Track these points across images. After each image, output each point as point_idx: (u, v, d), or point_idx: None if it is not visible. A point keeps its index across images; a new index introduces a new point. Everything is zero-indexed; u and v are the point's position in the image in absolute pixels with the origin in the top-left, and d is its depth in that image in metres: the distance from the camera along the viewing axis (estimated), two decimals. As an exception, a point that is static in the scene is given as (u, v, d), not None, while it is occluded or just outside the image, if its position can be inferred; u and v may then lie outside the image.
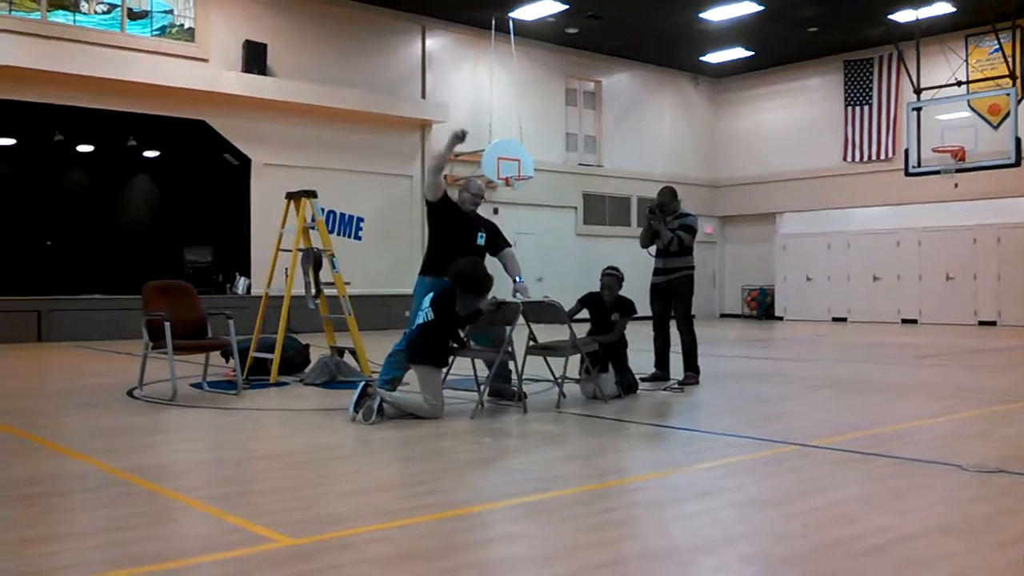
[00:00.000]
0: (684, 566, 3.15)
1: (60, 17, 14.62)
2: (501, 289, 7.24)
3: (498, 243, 7.32)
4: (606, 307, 7.50)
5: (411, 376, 6.96)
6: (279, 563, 3.16)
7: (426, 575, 3.04)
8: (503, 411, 6.75)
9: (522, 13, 17.99)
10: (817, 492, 4.22)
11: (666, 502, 4.11)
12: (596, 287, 7.66)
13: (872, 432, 5.81)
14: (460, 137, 7.03)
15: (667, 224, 8.37)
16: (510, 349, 6.65)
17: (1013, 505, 3.98)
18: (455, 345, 6.61)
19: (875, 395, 7.87)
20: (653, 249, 8.50)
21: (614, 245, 19.67)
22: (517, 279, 7.18)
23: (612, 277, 7.56)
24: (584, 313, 7.56)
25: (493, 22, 18.19)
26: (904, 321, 20.29)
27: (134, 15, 15.36)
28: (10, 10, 14.19)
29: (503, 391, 7.09)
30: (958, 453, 5.02)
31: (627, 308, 7.46)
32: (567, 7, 17.66)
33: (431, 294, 6.44)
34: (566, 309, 6.99)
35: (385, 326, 16.35)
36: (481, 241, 7.24)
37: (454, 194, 7.35)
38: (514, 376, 6.95)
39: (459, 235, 7.12)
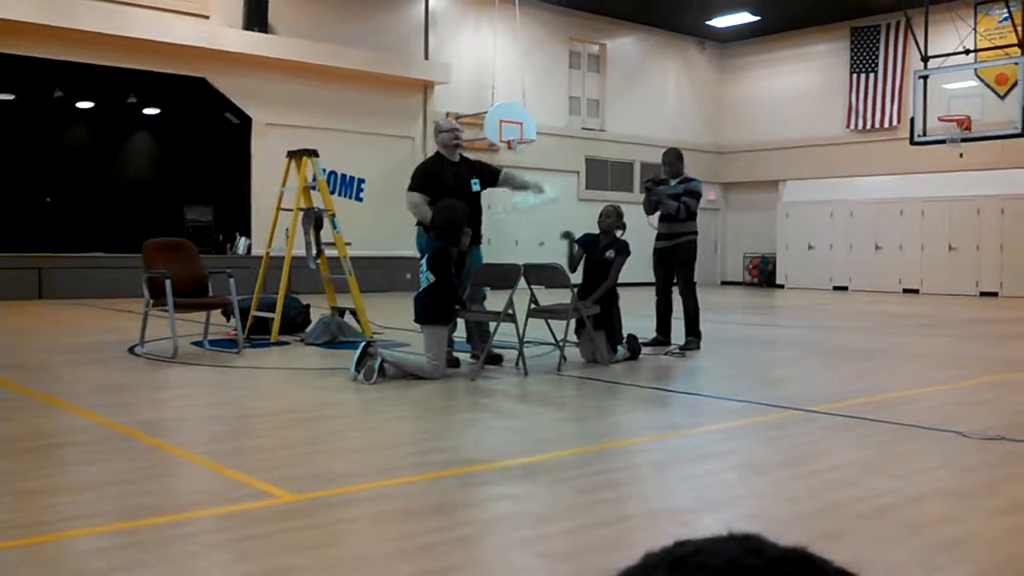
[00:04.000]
0: (684, 525, 3.15)
1: (60, -29, 14.42)
2: (502, 246, 7.21)
3: (493, 177, 7.30)
4: (600, 243, 7.45)
5: (411, 336, 6.96)
6: (279, 518, 3.17)
7: (425, 532, 3.04)
8: (504, 373, 6.75)
9: (527, -26, 17.77)
10: (818, 456, 4.22)
11: (667, 464, 4.11)
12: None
13: (874, 398, 5.81)
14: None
15: (671, 188, 8.34)
16: (511, 311, 6.64)
17: (1013, 472, 3.98)
18: (456, 306, 6.60)
19: (876, 363, 7.87)
20: (654, 219, 8.45)
21: (616, 210, 19.56)
22: (527, 188, 7.32)
23: (611, 207, 7.58)
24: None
25: (498, -18, 17.97)
26: (905, 291, 20.27)
27: (135, -30, 15.15)
28: (9, -37, 14.00)
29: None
30: (959, 420, 5.02)
31: (622, 247, 7.42)
32: (573, -32, 17.44)
33: (426, 257, 6.44)
34: (567, 274, 6.97)
35: (386, 287, 16.35)
36: (476, 187, 7.12)
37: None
38: (499, 338, 6.91)
39: (458, 195, 6.90)
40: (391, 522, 3.16)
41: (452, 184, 6.95)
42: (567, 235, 7.47)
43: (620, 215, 7.54)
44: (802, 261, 22.17)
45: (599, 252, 7.40)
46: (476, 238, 7.01)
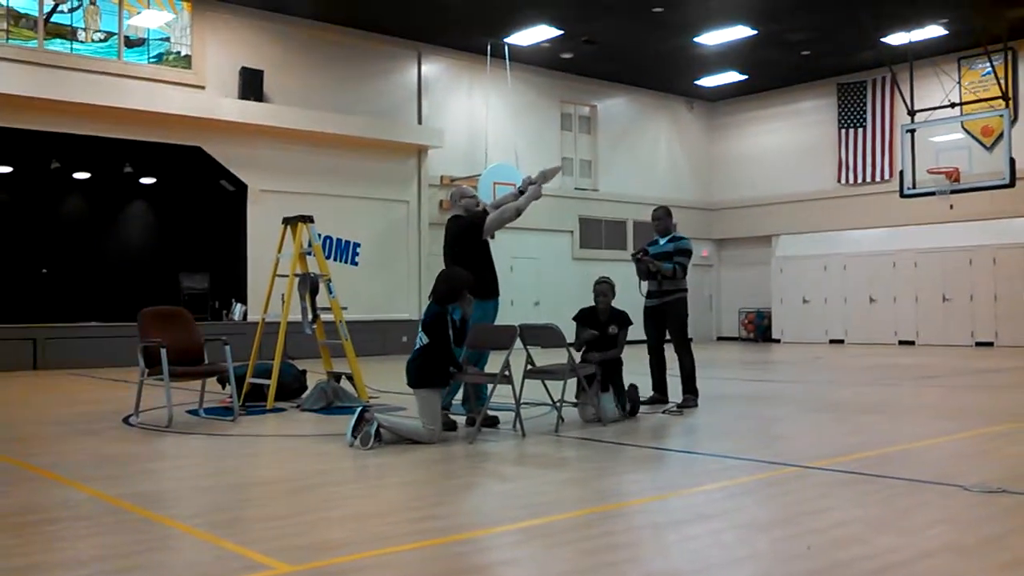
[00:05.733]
0: (687, 590, 3.11)
1: (57, 45, 14.67)
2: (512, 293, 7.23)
3: (487, 217, 7.63)
4: (600, 320, 7.47)
5: (407, 400, 6.92)
6: (276, 590, 3.12)
7: (426, 601, 3.00)
8: (502, 436, 6.71)
9: (517, 39, 18.08)
10: (819, 513, 4.18)
11: (667, 525, 4.07)
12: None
13: (873, 453, 5.78)
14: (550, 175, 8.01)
15: (661, 246, 8.42)
16: (507, 373, 6.61)
17: (1017, 525, 3.95)
18: (452, 369, 6.58)
19: (875, 416, 7.83)
20: (644, 286, 8.51)
21: (610, 268, 19.53)
22: (516, 187, 8.05)
23: (606, 284, 7.58)
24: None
25: (488, 48, 18.27)
26: (901, 342, 20.28)
27: (131, 43, 15.41)
28: (7, 39, 14.24)
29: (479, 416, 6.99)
30: (960, 473, 4.99)
31: (623, 320, 7.46)
32: (562, 32, 17.76)
33: (423, 319, 6.45)
34: (563, 334, 6.96)
35: (382, 351, 16.31)
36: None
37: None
38: (495, 400, 6.89)
39: (486, 248, 7.54)
40: (389, 592, 3.11)
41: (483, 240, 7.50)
42: (586, 336, 7.46)
43: (612, 287, 7.59)
44: (797, 315, 22.21)
45: (601, 328, 7.43)
46: (493, 291, 7.34)
